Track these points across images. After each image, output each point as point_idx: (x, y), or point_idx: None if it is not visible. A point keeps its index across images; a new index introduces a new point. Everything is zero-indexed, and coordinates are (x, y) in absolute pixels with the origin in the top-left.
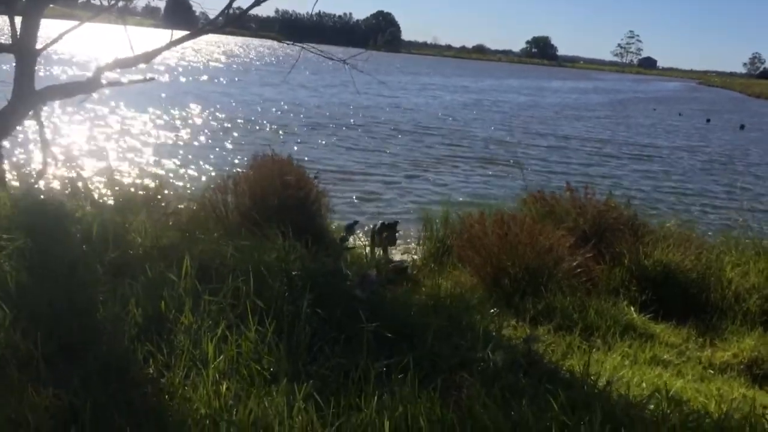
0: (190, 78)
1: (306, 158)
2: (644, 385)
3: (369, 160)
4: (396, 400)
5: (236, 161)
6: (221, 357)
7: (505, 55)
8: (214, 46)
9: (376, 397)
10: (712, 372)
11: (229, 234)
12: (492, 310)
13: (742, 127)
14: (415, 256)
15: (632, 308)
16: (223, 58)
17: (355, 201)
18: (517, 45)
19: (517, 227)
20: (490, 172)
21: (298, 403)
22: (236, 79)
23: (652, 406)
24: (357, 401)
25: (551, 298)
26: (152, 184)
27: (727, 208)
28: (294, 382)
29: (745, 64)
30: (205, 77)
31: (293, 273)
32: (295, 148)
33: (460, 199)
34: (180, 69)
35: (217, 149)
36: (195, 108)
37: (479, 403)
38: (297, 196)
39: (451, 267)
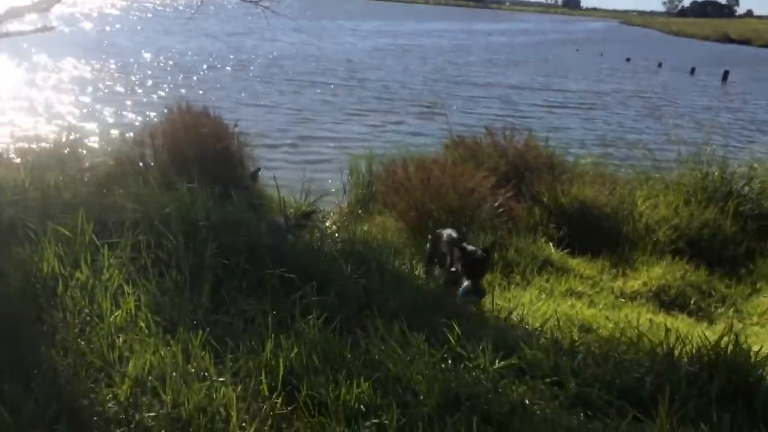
0: (91, 27)
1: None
2: (557, 315)
3: (289, 112)
4: (293, 341)
5: (147, 115)
6: (119, 311)
7: None
8: None
9: (272, 340)
10: (623, 300)
11: (149, 188)
12: (407, 251)
13: (659, 65)
14: (342, 204)
15: (550, 244)
16: (127, 5)
17: (279, 157)
18: None
19: (439, 171)
20: (413, 120)
21: (195, 351)
22: (139, 27)
23: (547, 334)
24: (255, 345)
25: (473, 238)
26: (65, 140)
27: (639, 144)
28: (195, 331)
29: (664, 2)
30: (105, 27)
31: (200, 223)
32: (210, 101)
33: (385, 146)
34: (81, 17)
35: (126, 103)
36: (97, 60)
37: (378, 339)
38: (216, 148)
39: (377, 213)
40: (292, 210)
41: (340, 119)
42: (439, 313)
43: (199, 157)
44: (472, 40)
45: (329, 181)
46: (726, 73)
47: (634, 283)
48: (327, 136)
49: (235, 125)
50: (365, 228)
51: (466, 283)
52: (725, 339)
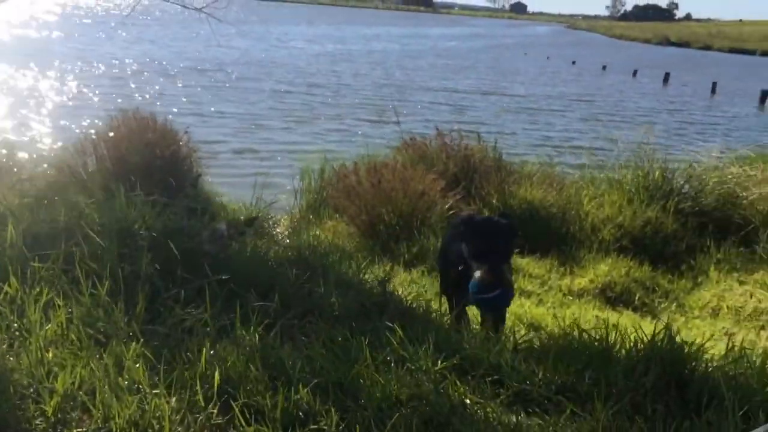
0: (28, 33)
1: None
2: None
3: (236, 119)
4: (231, 349)
5: (89, 123)
6: (49, 325)
7: (383, 2)
8: None
9: (208, 349)
10: (570, 298)
11: (86, 197)
12: (358, 256)
13: (603, 68)
14: (293, 210)
15: None
16: (69, 11)
17: (227, 163)
18: None
19: (389, 174)
20: (363, 125)
21: (128, 363)
22: (76, 34)
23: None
24: (191, 355)
25: (424, 241)
26: (1, 150)
27: (583, 146)
28: (129, 342)
29: (608, 7)
30: (43, 33)
31: (141, 232)
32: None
33: (335, 152)
34: (18, 24)
35: (66, 111)
36: (36, 67)
37: (319, 344)
38: (163, 155)
39: (328, 218)
40: (241, 217)
41: (290, 125)
42: (384, 317)
43: (144, 164)
44: (423, 44)
45: (279, 187)
46: (667, 76)
47: (582, 281)
48: (276, 142)
49: (186, 131)
50: (315, 233)
51: (478, 272)
52: (660, 332)
